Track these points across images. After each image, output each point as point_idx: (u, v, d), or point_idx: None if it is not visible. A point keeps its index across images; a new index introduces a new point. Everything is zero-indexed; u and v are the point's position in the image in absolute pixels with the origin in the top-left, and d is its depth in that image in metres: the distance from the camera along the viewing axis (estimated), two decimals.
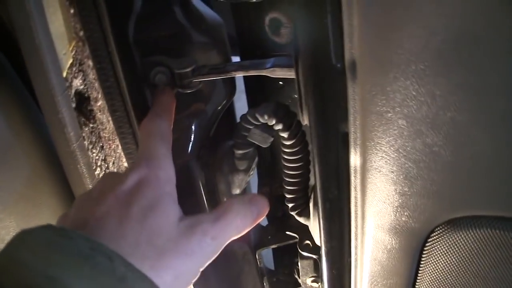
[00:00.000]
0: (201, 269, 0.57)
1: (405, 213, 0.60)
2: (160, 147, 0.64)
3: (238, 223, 0.61)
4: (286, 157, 0.79)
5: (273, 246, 1.04)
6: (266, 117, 0.75)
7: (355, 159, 0.61)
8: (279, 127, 0.75)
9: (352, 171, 0.63)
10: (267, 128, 0.78)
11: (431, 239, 0.62)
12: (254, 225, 0.64)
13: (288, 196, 0.84)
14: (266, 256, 1.16)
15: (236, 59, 0.91)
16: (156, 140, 0.65)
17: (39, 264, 0.44)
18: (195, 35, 0.77)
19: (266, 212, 0.67)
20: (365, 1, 0.48)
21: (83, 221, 0.55)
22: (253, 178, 0.99)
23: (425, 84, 0.49)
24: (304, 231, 0.92)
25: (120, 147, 0.78)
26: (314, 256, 0.96)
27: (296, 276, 1.05)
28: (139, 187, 0.58)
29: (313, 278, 1.00)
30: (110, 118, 0.75)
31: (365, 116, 0.56)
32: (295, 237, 0.99)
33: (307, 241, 0.96)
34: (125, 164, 0.81)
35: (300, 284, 1.04)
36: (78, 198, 0.62)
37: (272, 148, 1.00)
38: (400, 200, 0.59)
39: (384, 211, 0.62)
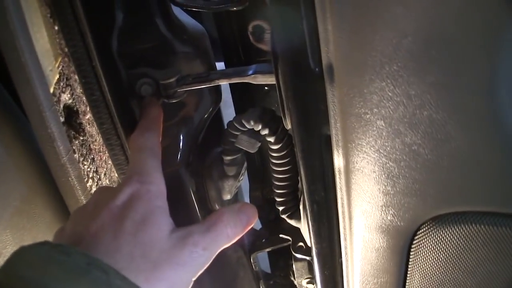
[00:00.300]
0: (194, 279, 0.59)
1: (390, 212, 0.61)
2: (150, 161, 0.66)
3: (229, 232, 0.63)
4: (274, 161, 0.80)
5: (267, 250, 1.05)
6: (252, 122, 0.76)
7: (338, 161, 0.62)
8: (265, 132, 0.76)
9: (336, 173, 0.64)
10: (254, 134, 0.79)
11: (417, 236, 0.62)
12: (244, 232, 0.66)
13: (278, 199, 0.85)
14: (263, 259, 1.17)
15: (221, 64, 0.92)
16: (146, 154, 0.67)
17: (39, 279, 0.45)
18: (178, 46, 0.77)
19: (255, 220, 0.68)
20: (337, 6, 0.49)
21: (79, 237, 0.56)
22: (244, 182, 1.00)
23: (400, 84, 0.50)
24: (297, 233, 0.92)
25: None
26: (308, 258, 0.96)
27: (292, 278, 1.06)
28: (131, 202, 0.59)
29: (308, 280, 1.01)
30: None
31: (345, 118, 0.56)
32: (288, 240, 1.00)
33: (300, 243, 0.96)
34: (117, 175, 0.82)
35: (296, 286, 1.05)
36: (73, 213, 0.64)
37: (261, 152, 1.01)
38: (384, 200, 0.60)
39: (370, 211, 0.63)
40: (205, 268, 0.60)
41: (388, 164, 0.57)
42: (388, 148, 0.55)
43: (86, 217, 0.59)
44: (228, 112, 1.01)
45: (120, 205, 0.59)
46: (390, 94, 0.51)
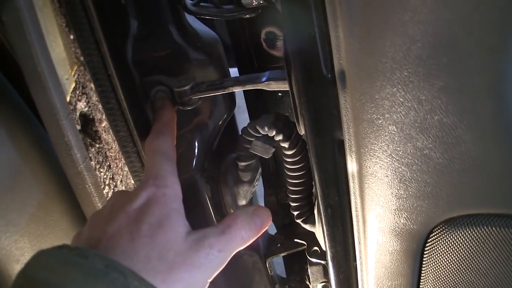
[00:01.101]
0: (209, 280, 0.60)
1: (403, 216, 0.61)
2: (166, 164, 0.67)
3: (243, 235, 0.64)
4: (288, 166, 0.81)
5: (283, 254, 1.05)
6: (266, 128, 0.77)
7: (351, 166, 0.63)
8: (279, 137, 0.77)
9: (350, 177, 0.64)
10: (268, 139, 0.80)
11: (430, 239, 0.63)
12: (259, 235, 0.66)
13: (292, 204, 0.85)
14: (278, 264, 1.18)
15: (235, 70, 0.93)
16: (161, 158, 0.67)
17: (58, 282, 0.47)
18: (192, 53, 0.78)
19: (269, 223, 0.68)
20: (348, 14, 0.50)
21: (96, 240, 0.57)
22: (259, 188, 1.01)
23: (411, 90, 0.50)
24: (312, 238, 0.93)
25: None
26: (323, 262, 0.97)
27: (307, 282, 1.06)
28: (148, 205, 0.60)
29: (323, 284, 1.01)
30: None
31: (357, 123, 0.57)
32: (303, 244, 1.00)
33: (315, 247, 0.97)
34: (133, 182, 0.83)
35: None
36: (90, 217, 0.65)
37: (276, 157, 1.01)
38: (397, 203, 0.61)
39: (383, 214, 0.63)
40: (220, 269, 0.61)
41: (400, 168, 0.57)
42: (400, 153, 0.56)
43: (103, 221, 0.60)
44: (243, 117, 1.02)
45: (137, 209, 0.60)
46: (401, 99, 0.52)
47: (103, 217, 0.61)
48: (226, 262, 0.62)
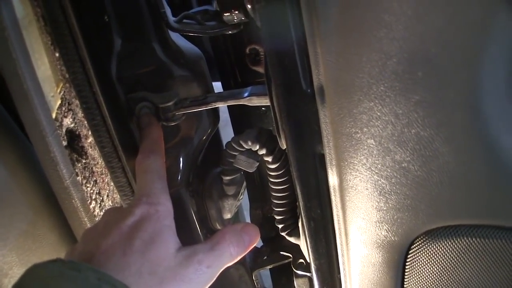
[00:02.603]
0: None
1: (384, 228, 0.62)
2: (157, 182, 0.68)
3: (232, 251, 0.65)
4: (272, 180, 0.82)
5: (269, 267, 1.06)
6: (249, 143, 0.78)
7: (332, 179, 0.63)
8: (263, 151, 0.78)
9: (331, 190, 0.65)
10: (252, 154, 0.81)
11: (412, 250, 0.63)
12: (247, 252, 0.68)
13: (277, 217, 0.86)
14: (267, 277, 1.18)
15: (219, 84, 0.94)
16: (152, 176, 0.69)
17: None
18: (175, 70, 0.79)
19: (257, 240, 0.70)
20: (325, 30, 0.51)
21: (89, 254, 0.58)
22: (245, 201, 1.01)
23: (387, 104, 0.51)
24: (297, 250, 0.93)
25: None
26: (309, 274, 0.97)
27: None
28: (140, 222, 0.62)
29: None
30: None
31: (337, 137, 0.58)
32: (289, 257, 1.01)
33: (301, 260, 0.97)
34: (119, 196, 0.83)
35: None
36: (84, 233, 0.66)
37: (260, 171, 1.02)
38: (378, 216, 0.61)
39: (365, 227, 0.64)
40: (209, 284, 0.62)
41: (380, 181, 0.58)
42: (379, 166, 0.57)
43: (97, 236, 0.61)
44: (227, 131, 1.03)
45: (130, 225, 0.61)
46: (378, 113, 0.52)
47: (97, 232, 0.63)
48: (215, 278, 0.63)
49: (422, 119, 0.51)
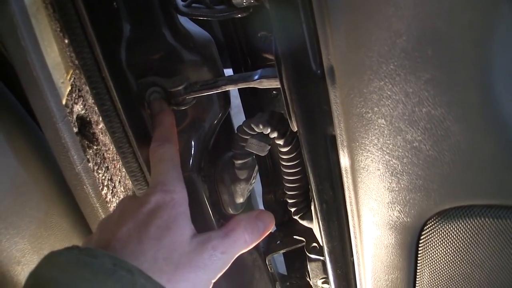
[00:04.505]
0: (213, 281, 0.62)
1: (397, 209, 0.62)
2: (172, 170, 0.69)
3: (246, 238, 0.66)
4: (284, 163, 0.81)
5: (282, 251, 1.06)
6: (261, 126, 0.78)
7: (344, 160, 0.63)
8: (274, 135, 0.78)
9: (343, 172, 0.65)
10: (263, 137, 0.80)
11: (425, 231, 0.63)
12: (262, 239, 0.69)
13: (290, 201, 0.86)
14: (281, 262, 1.18)
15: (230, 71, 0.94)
16: (168, 165, 0.70)
17: (68, 279, 0.49)
18: (185, 54, 0.79)
19: (272, 227, 0.71)
20: (334, 10, 0.50)
21: (106, 241, 0.59)
22: (257, 186, 1.01)
23: (397, 83, 0.51)
24: (311, 234, 0.93)
25: None
26: (322, 258, 0.97)
27: (308, 279, 1.07)
28: (156, 210, 0.62)
29: (323, 280, 1.01)
30: None
31: (347, 118, 0.57)
32: (302, 241, 1.01)
33: (314, 244, 0.97)
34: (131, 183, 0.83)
35: (312, 286, 1.06)
36: (100, 222, 0.67)
37: (272, 155, 1.02)
38: (390, 197, 0.61)
39: (377, 208, 0.63)
40: (223, 271, 0.63)
41: (391, 162, 0.58)
42: (390, 146, 0.56)
43: (112, 225, 0.62)
44: (241, 118, 1.03)
45: (145, 213, 0.62)
46: (388, 92, 0.52)
47: (113, 221, 0.64)
48: (229, 264, 0.64)
49: (433, 97, 0.50)
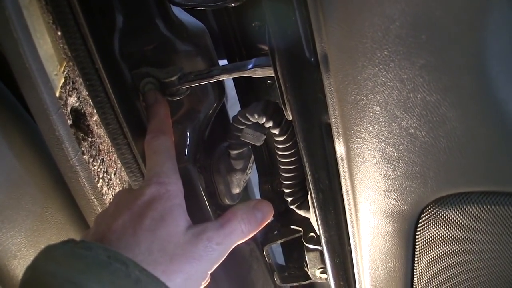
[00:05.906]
0: (209, 272, 0.62)
1: (393, 197, 0.62)
2: (167, 162, 0.69)
3: (243, 228, 0.66)
4: (280, 152, 0.81)
5: (279, 241, 1.05)
6: (256, 116, 0.77)
7: (339, 148, 0.63)
8: (269, 124, 0.77)
9: (339, 160, 0.65)
10: (259, 127, 0.80)
11: (422, 219, 0.63)
12: (260, 228, 0.69)
13: (286, 190, 0.86)
14: (279, 253, 1.18)
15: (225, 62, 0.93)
16: (163, 157, 0.69)
17: (64, 272, 0.50)
18: (179, 44, 0.79)
19: (271, 216, 0.71)
20: None
21: (101, 234, 0.60)
22: (254, 176, 1.01)
23: (392, 69, 0.51)
24: (308, 224, 0.93)
25: None
26: (320, 248, 0.97)
27: (306, 269, 1.07)
28: (151, 202, 0.62)
29: (321, 269, 1.01)
30: None
31: (342, 105, 0.57)
32: (299, 231, 1.01)
33: (312, 234, 0.97)
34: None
35: (310, 276, 1.05)
36: (97, 216, 0.68)
37: (268, 145, 1.02)
38: (386, 184, 0.61)
39: (374, 196, 0.63)
40: (220, 262, 0.63)
41: (387, 149, 0.57)
42: (385, 133, 0.56)
43: (108, 218, 0.62)
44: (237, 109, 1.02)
45: (140, 205, 0.62)
46: (383, 79, 0.52)
47: (108, 214, 0.64)
48: (226, 255, 0.64)
49: (428, 83, 0.50)
